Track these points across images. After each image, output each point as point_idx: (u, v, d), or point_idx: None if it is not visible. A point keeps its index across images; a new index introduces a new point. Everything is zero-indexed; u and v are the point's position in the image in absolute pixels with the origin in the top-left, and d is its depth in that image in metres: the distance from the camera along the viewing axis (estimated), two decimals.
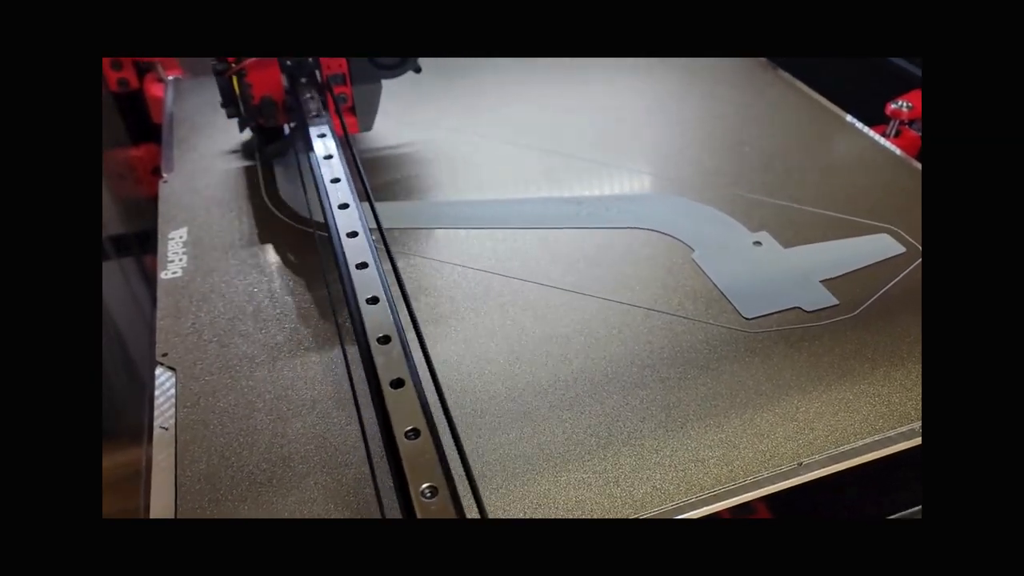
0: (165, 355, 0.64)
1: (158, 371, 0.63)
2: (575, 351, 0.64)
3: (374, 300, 0.53)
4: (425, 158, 0.93)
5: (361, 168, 0.66)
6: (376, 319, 0.51)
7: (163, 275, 0.73)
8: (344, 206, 0.62)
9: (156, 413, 0.59)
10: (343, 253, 0.57)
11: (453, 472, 0.42)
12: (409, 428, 0.43)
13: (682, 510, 0.52)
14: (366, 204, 0.63)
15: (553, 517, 0.51)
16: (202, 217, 0.81)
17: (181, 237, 0.78)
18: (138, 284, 1.10)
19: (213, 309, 0.69)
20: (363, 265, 0.56)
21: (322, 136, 0.72)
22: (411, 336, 0.51)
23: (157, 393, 0.61)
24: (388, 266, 0.57)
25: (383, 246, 0.59)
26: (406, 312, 0.53)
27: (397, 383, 0.46)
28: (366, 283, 0.54)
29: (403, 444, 0.43)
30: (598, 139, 0.96)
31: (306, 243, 0.77)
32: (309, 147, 0.71)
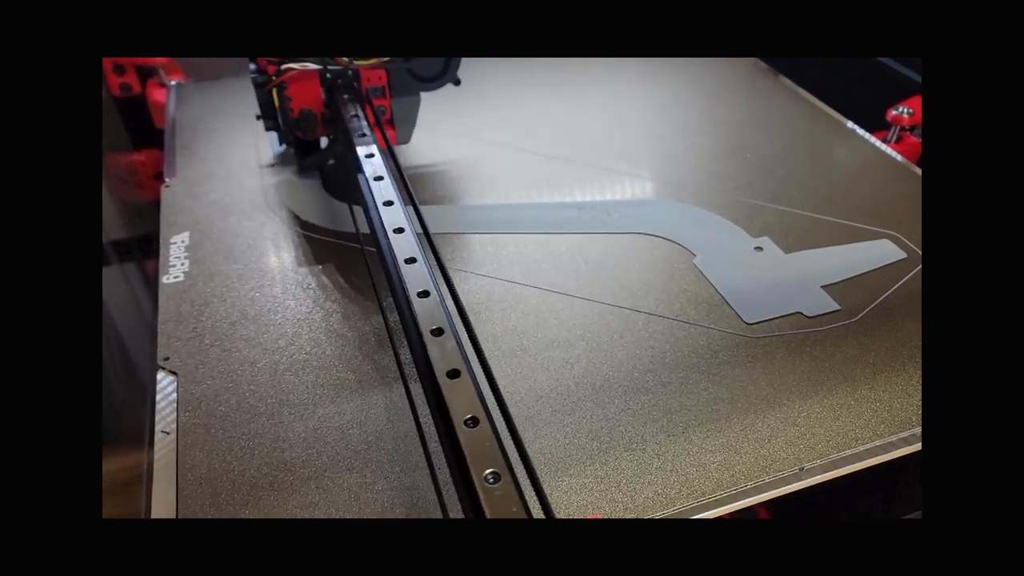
0: (167, 359, 0.64)
1: (159, 375, 0.63)
2: (576, 356, 0.64)
3: (425, 294, 0.53)
4: (425, 162, 0.93)
5: (408, 183, 0.66)
6: (428, 312, 0.51)
7: (165, 279, 0.73)
8: (388, 203, 0.63)
9: (157, 417, 0.59)
10: (391, 248, 0.57)
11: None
12: (468, 416, 0.43)
13: (684, 515, 0.52)
14: (409, 208, 0.63)
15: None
16: (204, 222, 0.82)
17: (183, 241, 0.78)
18: (140, 288, 1.10)
19: (215, 313, 0.69)
20: (411, 260, 0.56)
21: (370, 156, 0.70)
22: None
23: (158, 397, 0.61)
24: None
25: (428, 243, 0.59)
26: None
27: (453, 373, 0.46)
28: (416, 277, 0.55)
29: (463, 432, 0.43)
30: (600, 144, 0.96)
31: (308, 248, 0.78)
32: (359, 170, 0.69)
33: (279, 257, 0.77)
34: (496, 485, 0.40)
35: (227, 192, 0.87)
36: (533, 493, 0.42)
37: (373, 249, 0.63)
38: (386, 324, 0.66)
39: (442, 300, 0.52)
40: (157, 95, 1.11)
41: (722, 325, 0.68)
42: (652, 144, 0.97)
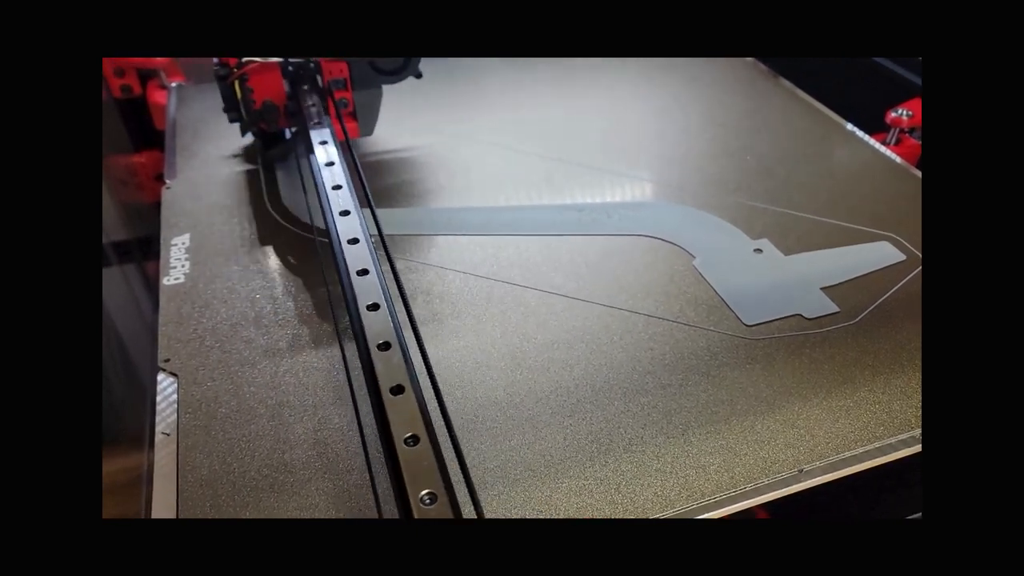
0: (167, 361, 0.64)
1: (160, 376, 0.63)
2: (576, 358, 0.64)
3: (374, 307, 0.53)
4: (425, 163, 0.93)
5: (362, 174, 0.66)
6: (376, 325, 0.51)
7: (165, 281, 0.73)
8: (345, 212, 0.63)
9: (158, 419, 0.59)
10: (344, 260, 0.58)
11: (453, 479, 0.42)
12: (408, 435, 0.43)
13: (683, 517, 0.52)
14: (367, 210, 0.63)
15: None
16: (204, 223, 0.82)
17: (183, 243, 0.78)
18: (140, 290, 1.10)
19: (215, 315, 0.69)
20: (364, 272, 0.56)
21: (323, 143, 0.72)
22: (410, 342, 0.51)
23: (159, 399, 0.61)
24: (388, 273, 0.57)
25: (384, 252, 0.59)
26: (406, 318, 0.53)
27: (397, 389, 0.46)
28: (367, 289, 0.55)
29: (402, 450, 0.43)
30: (600, 146, 0.96)
31: (308, 249, 0.78)
32: (310, 152, 0.71)
33: (280, 259, 0.77)
34: (431, 506, 0.40)
35: (228, 193, 0.87)
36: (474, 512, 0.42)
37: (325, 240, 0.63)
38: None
39: (393, 314, 0.52)
40: (158, 97, 1.11)
41: (722, 327, 0.68)
42: (652, 146, 0.97)
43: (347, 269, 0.57)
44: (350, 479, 0.54)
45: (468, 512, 0.42)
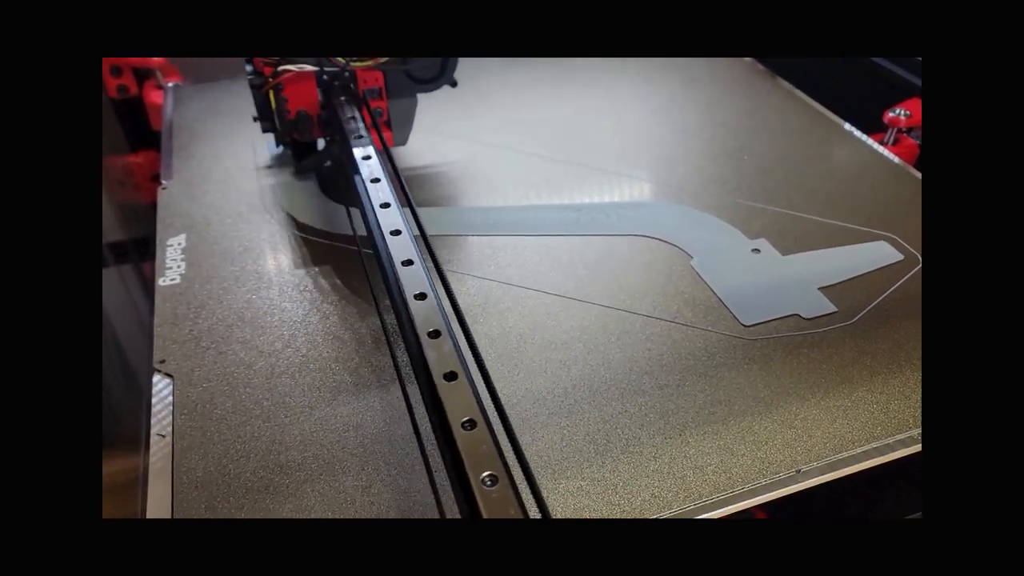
0: (163, 362, 0.64)
1: (155, 378, 0.63)
2: (574, 358, 0.64)
3: (422, 296, 0.53)
4: (424, 164, 0.93)
5: (405, 185, 0.65)
6: (425, 314, 0.51)
7: (161, 282, 0.73)
8: (386, 205, 0.62)
9: (153, 420, 0.59)
10: (388, 251, 0.57)
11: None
12: (466, 419, 0.43)
13: (681, 517, 0.51)
14: (407, 209, 0.63)
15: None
16: (201, 224, 0.81)
17: (180, 244, 0.78)
18: (136, 291, 1.10)
19: (211, 316, 0.69)
20: (408, 263, 0.56)
21: (367, 158, 0.69)
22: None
23: (154, 400, 0.61)
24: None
25: (425, 245, 0.59)
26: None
27: (450, 376, 0.46)
28: (413, 280, 0.54)
29: (460, 435, 0.42)
30: (598, 146, 0.96)
31: (305, 250, 0.78)
32: (355, 174, 0.68)
33: (276, 259, 0.76)
34: (493, 488, 0.40)
35: (224, 194, 0.86)
36: (531, 495, 0.42)
37: (370, 251, 0.63)
38: (383, 326, 0.66)
39: (439, 302, 0.52)
40: (154, 97, 1.11)
41: (719, 327, 0.68)
42: (650, 146, 0.97)
43: (392, 260, 0.56)
44: (346, 480, 0.54)
45: (525, 494, 0.41)
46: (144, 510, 0.52)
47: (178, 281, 0.73)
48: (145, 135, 1.14)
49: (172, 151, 0.95)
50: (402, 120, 0.86)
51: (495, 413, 0.45)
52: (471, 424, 0.43)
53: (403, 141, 0.88)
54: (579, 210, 0.84)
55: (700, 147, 0.96)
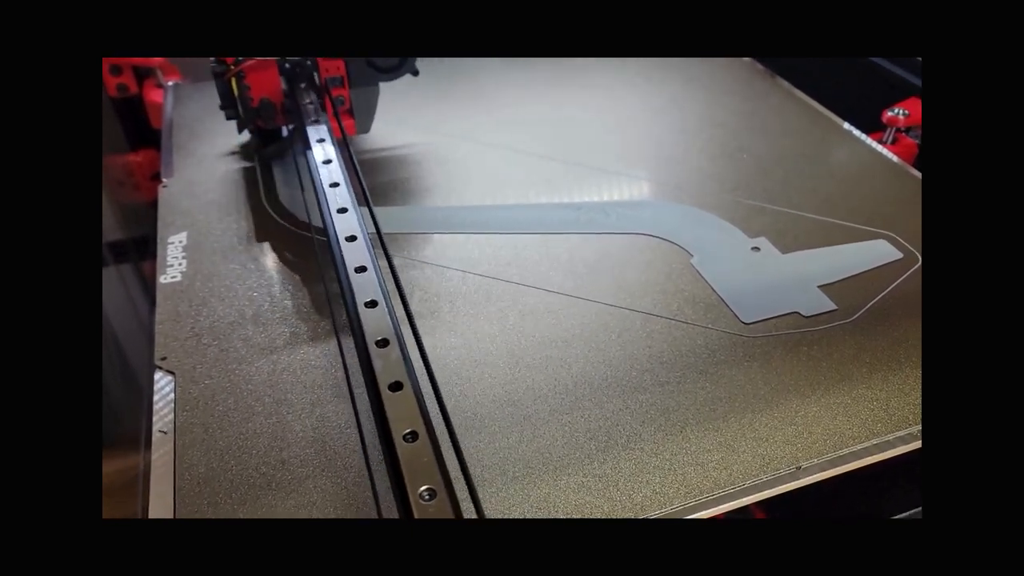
0: (164, 359, 0.64)
1: (157, 375, 0.63)
2: (574, 356, 0.64)
3: (372, 304, 0.53)
4: (424, 162, 0.93)
5: (360, 172, 0.66)
6: (374, 323, 0.51)
7: (162, 279, 0.73)
8: (343, 210, 0.63)
9: (155, 417, 0.59)
10: (342, 257, 0.58)
11: (452, 475, 0.42)
12: (407, 431, 0.43)
13: (681, 514, 0.52)
14: (364, 208, 0.63)
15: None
16: (201, 221, 0.81)
17: (180, 241, 0.78)
18: (136, 289, 1.10)
19: (212, 313, 0.69)
20: (362, 269, 0.56)
21: (321, 140, 0.72)
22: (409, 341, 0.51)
23: (156, 397, 0.61)
24: (386, 270, 0.57)
25: (382, 249, 0.59)
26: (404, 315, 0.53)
27: (395, 386, 0.46)
28: (364, 287, 0.54)
29: (401, 447, 0.43)
30: (598, 145, 0.96)
31: (306, 247, 0.78)
32: (308, 150, 0.71)
33: (277, 256, 0.76)
34: (431, 502, 0.40)
35: (224, 192, 0.86)
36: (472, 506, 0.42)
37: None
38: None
39: (391, 311, 0.52)
40: (154, 95, 1.11)
41: (719, 325, 0.68)
42: (650, 145, 0.97)
43: (345, 266, 0.57)
44: (348, 477, 0.54)
45: (467, 508, 0.41)
46: (147, 506, 0.52)
47: (179, 279, 0.73)
48: (145, 134, 1.14)
49: (172, 149, 0.95)
50: (364, 108, 0.87)
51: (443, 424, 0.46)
52: (413, 436, 0.43)
53: (365, 129, 0.89)
54: (579, 209, 0.84)
55: (700, 146, 0.96)
